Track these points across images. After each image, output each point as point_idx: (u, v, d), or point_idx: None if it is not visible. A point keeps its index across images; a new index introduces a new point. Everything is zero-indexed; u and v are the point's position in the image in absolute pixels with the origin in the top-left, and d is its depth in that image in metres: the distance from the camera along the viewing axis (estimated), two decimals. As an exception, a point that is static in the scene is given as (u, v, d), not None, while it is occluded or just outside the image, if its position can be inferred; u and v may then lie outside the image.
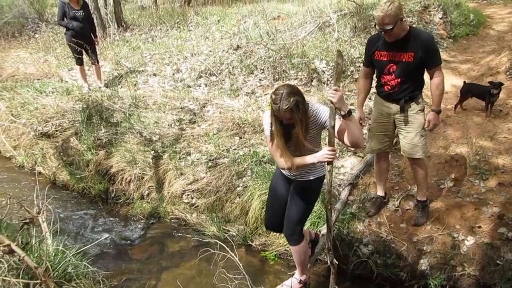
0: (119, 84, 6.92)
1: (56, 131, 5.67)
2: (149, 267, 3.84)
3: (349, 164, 4.38)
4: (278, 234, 3.82)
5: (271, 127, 2.55)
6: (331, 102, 2.34)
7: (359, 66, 5.90)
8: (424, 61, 3.09)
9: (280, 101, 2.34)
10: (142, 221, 4.56)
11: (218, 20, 9.00)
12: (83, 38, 6.36)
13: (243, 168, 4.43)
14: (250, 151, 4.66)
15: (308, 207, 2.86)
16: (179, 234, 4.32)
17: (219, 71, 6.78)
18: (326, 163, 2.48)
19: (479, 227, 3.43)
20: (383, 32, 3.05)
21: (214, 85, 6.50)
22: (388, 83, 3.25)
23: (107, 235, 4.27)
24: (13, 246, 2.69)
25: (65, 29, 6.54)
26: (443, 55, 5.73)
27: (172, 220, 4.53)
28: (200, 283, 3.58)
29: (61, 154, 5.41)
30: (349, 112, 2.37)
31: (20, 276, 2.66)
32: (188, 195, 4.56)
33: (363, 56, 3.61)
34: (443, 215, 3.60)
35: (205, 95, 6.18)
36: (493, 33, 7.72)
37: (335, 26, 6.94)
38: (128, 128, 5.33)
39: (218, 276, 3.13)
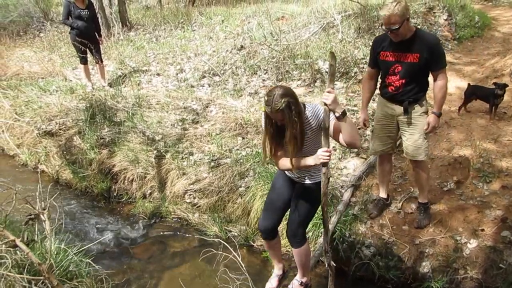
0: (122, 84, 6.95)
1: (60, 129, 5.69)
2: (151, 266, 3.85)
3: (351, 166, 4.37)
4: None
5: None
6: (325, 104, 2.33)
7: (363, 67, 5.88)
8: (429, 63, 3.08)
9: (272, 102, 2.33)
10: (144, 220, 4.57)
11: (222, 20, 9.01)
12: (87, 38, 6.38)
13: (246, 169, 4.43)
14: (252, 151, 4.66)
15: (311, 210, 2.84)
16: (181, 233, 4.32)
17: (222, 71, 6.78)
18: (321, 165, 2.43)
19: (482, 230, 3.41)
20: (389, 32, 3.03)
21: (217, 85, 6.50)
22: (393, 83, 3.23)
23: (109, 234, 4.29)
24: (18, 242, 2.70)
25: (69, 28, 6.57)
26: (448, 57, 5.69)
27: (174, 220, 4.54)
28: (201, 283, 3.58)
29: (64, 152, 5.43)
30: (344, 113, 2.35)
31: (25, 272, 2.67)
32: (190, 195, 4.56)
33: (368, 57, 3.59)
34: (446, 218, 3.59)
35: (208, 95, 6.19)
36: (498, 35, 7.68)
37: (339, 27, 6.93)
38: (131, 127, 5.34)
39: (220, 276, 3.13)
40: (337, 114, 2.35)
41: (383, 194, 3.79)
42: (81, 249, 3.26)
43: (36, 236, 3.14)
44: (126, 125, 5.40)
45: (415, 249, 3.44)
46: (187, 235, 4.28)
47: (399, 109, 3.28)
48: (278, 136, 2.53)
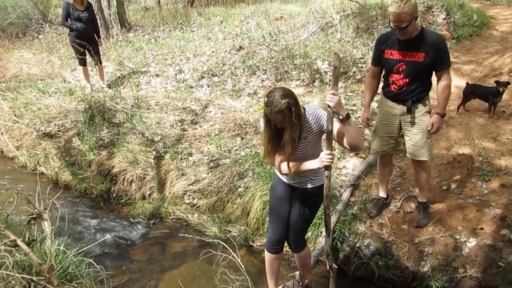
0: (121, 85, 6.94)
1: (59, 131, 5.70)
2: (150, 267, 3.85)
3: (350, 165, 4.37)
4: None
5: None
6: (329, 106, 2.31)
7: (362, 67, 5.88)
8: (434, 63, 3.06)
9: (271, 104, 2.30)
10: (144, 221, 4.57)
11: (221, 21, 9.01)
12: (86, 39, 6.38)
13: (245, 169, 4.43)
14: (251, 151, 4.66)
15: (312, 215, 2.82)
16: (181, 234, 4.32)
17: (221, 72, 6.78)
18: (324, 168, 2.39)
19: (481, 228, 3.41)
20: (397, 30, 3.00)
21: (216, 86, 6.50)
22: (396, 82, 3.20)
23: (109, 235, 4.29)
24: (19, 242, 2.69)
25: (68, 30, 6.57)
26: (446, 56, 5.69)
27: (174, 221, 4.54)
28: (201, 284, 3.58)
29: (64, 154, 5.43)
30: (347, 116, 2.32)
31: (25, 272, 2.67)
32: (189, 195, 4.56)
33: (371, 55, 3.56)
34: (445, 217, 3.59)
35: (207, 95, 6.19)
36: (496, 34, 7.69)
37: (337, 27, 6.93)
38: (130, 128, 5.34)
39: (219, 277, 3.13)
40: (341, 117, 2.32)
41: (382, 194, 3.79)
42: (80, 251, 3.26)
43: (36, 237, 3.14)
44: (125, 126, 5.40)
45: (414, 248, 3.44)
46: (186, 235, 4.28)
47: (401, 108, 3.26)
48: (277, 138, 2.49)
